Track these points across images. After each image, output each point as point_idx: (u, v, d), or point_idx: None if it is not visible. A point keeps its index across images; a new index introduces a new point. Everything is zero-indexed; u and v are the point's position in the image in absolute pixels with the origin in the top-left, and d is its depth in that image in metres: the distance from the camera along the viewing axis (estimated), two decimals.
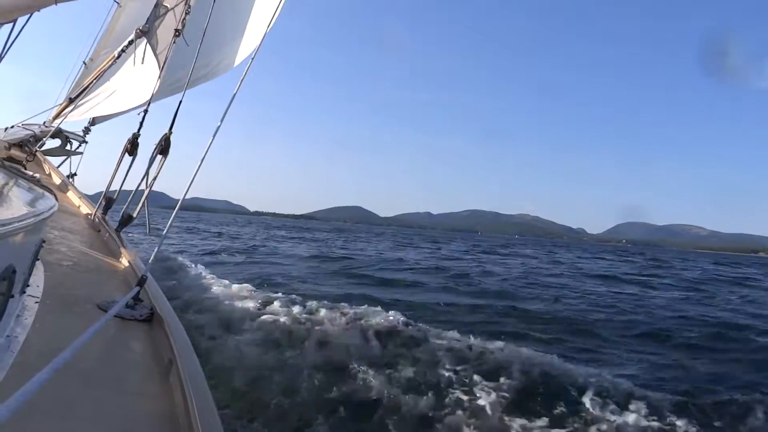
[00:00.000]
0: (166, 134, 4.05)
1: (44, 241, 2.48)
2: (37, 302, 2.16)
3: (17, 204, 1.72)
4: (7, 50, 3.68)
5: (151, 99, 4.95)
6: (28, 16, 3.59)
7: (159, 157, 4.06)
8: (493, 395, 5.34)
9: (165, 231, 3.22)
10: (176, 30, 5.01)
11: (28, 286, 2.12)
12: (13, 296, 1.65)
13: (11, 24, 3.54)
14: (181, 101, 4.07)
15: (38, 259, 2.35)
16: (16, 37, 3.69)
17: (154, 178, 4.07)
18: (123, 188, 4.82)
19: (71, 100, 7.54)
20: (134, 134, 4.79)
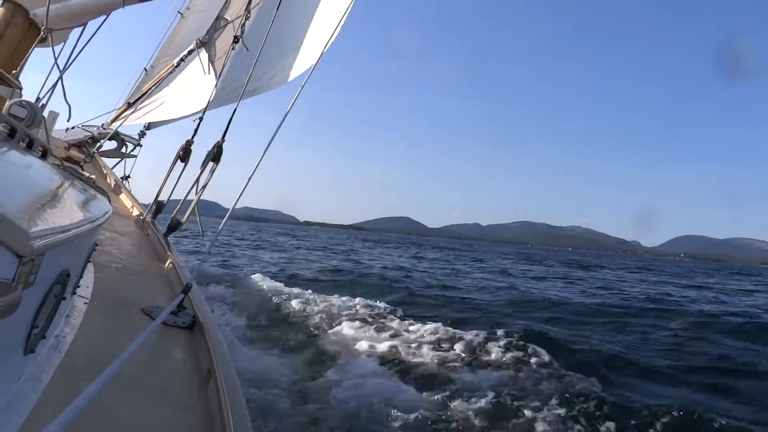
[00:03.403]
0: (218, 142, 4.08)
1: (97, 245, 2.52)
2: (86, 303, 2.21)
3: (74, 207, 1.73)
4: (77, 55, 3.78)
5: (207, 107, 5.00)
6: (100, 20, 3.68)
7: (211, 164, 4.09)
8: None
9: (214, 240, 3.22)
10: (235, 37, 5.06)
11: (78, 287, 2.15)
12: (65, 298, 1.67)
13: (81, 28, 3.64)
14: (235, 110, 4.11)
15: (89, 261, 2.40)
16: (88, 41, 3.79)
17: (204, 186, 4.11)
18: (174, 195, 4.89)
19: (130, 105, 7.80)
20: (188, 141, 4.82)
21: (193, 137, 4.80)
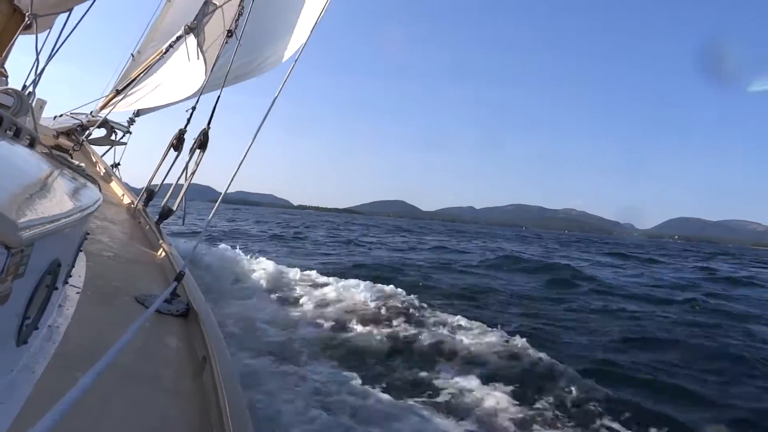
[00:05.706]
0: (204, 129, 4.11)
1: (88, 233, 2.51)
2: (78, 292, 2.19)
3: (63, 196, 1.72)
4: (63, 42, 3.71)
5: (200, 94, 4.98)
6: (87, 4, 3.61)
7: (198, 151, 4.10)
8: None
9: (205, 226, 3.22)
10: (228, 30, 5.04)
11: (70, 276, 2.14)
12: (57, 288, 1.66)
13: (67, 14, 3.58)
14: (219, 97, 4.13)
15: (81, 250, 2.39)
16: (74, 28, 3.73)
17: (193, 173, 4.12)
18: (165, 182, 4.87)
19: (118, 92, 7.69)
20: (180, 130, 4.84)
21: (186, 126, 4.80)
